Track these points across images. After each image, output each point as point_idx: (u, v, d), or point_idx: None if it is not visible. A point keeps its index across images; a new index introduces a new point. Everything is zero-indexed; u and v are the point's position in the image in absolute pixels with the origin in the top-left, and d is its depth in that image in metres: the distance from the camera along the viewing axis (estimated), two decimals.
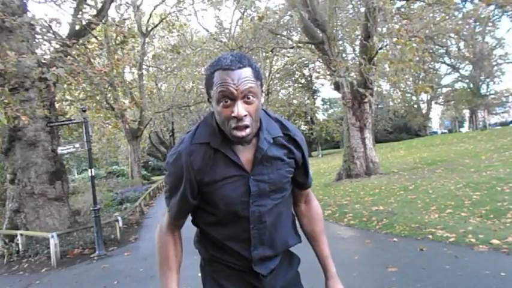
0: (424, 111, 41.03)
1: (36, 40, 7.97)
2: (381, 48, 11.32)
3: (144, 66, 24.69)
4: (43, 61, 7.29)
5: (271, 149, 1.19)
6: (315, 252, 1.44)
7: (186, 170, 1.15)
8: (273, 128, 1.22)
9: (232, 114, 1.06)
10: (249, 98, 1.08)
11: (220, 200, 1.18)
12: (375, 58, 11.03)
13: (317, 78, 32.32)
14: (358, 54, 12.77)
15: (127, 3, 15.81)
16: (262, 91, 1.16)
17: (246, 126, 1.08)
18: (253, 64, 1.11)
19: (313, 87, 37.22)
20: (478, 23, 22.34)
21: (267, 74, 29.53)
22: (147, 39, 23.53)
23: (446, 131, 49.85)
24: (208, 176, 1.16)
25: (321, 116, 39.55)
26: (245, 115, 1.07)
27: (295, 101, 34.01)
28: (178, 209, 1.23)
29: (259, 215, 1.20)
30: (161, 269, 1.25)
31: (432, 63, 31.27)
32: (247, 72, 1.08)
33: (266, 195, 1.20)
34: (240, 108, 1.06)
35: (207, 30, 23.51)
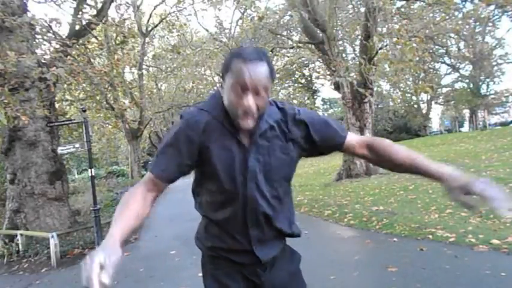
0: (424, 111, 41.01)
1: (36, 40, 7.97)
2: (380, 48, 11.31)
3: (144, 66, 24.71)
4: (43, 61, 7.30)
5: (269, 131, 1.23)
6: (418, 172, 1.22)
7: (189, 129, 1.18)
8: (273, 111, 1.26)
9: (242, 105, 1.11)
10: (260, 92, 1.11)
11: (220, 163, 1.18)
12: (375, 58, 11.02)
13: (317, 78, 32.27)
14: (358, 54, 12.77)
15: (127, 3, 15.83)
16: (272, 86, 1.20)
17: (252, 117, 1.13)
18: (270, 62, 1.16)
19: (313, 87, 37.21)
20: (478, 23, 22.37)
21: None
22: (147, 39, 23.54)
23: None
24: (210, 139, 1.19)
25: None
26: (254, 108, 1.11)
27: (295, 101, 33.93)
28: (166, 163, 1.18)
29: (255, 194, 1.21)
30: (117, 215, 1.15)
31: (432, 63, 31.26)
32: (263, 67, 1.12)
33: (262, 176, 1.21)
34: (251, 101, 1.10)
35: (207, 30, 23.46)
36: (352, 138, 1.34)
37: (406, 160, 1.22)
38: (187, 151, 1.18)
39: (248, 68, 1.09)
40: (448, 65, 34.73)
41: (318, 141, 1.28)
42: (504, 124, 38.74)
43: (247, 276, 1.29)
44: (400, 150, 1.26)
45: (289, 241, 1.42)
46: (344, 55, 18.68)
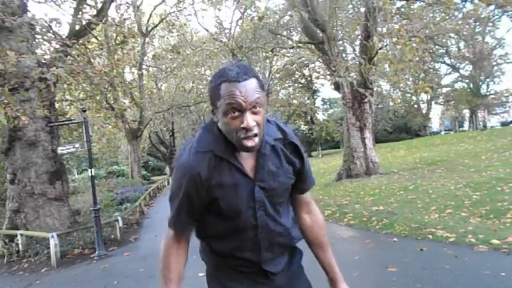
0: (424, 111, 41.02)
1: (36, 40, 7.97)
2: (380, 48, 11.32)
3: (144, 66, 24.70)
4: (43, 61, 7.29)
5: (271, 156, 1.21)
6: (318, 258, 1.42)
7: (193, 181, 1.15)
8: (272, 130, 1.24)
9: (242, 126, 1.08)
10: (256, 109, 1.09)
11: (226, 206, 1.18)
12: (375, 58, 11.02)
13: (317, 78, 32.34)
14: (358, 54, 12.77)
15: (127, 3, 15.85)
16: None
17: (255, 135, 1.10)
18: (257, 75, 1.13)
19: (313, 87, 37.23)
20: (478, 23, 22.38)
21: (267, 74, 29.52)
22: (147, 39, 23.53)
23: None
24: (214, 184, 1.16)
25: (321, 116, 39.58)
26: (254, 125, 1.08)
27: (295, 101, 34.00)
28: (182, 216, 1.22)
29: (266, 221, 1.23)
30: (162, 278, 1.27)
31: (432, 63, 31.30)
32: (253, 83, 1.09)
33: (268, 202, 1.22)
34: (250, 120, 1.08)
35: (207, 30, 23.54)
36: (311, 199, 1.41)
37: (316, 245, 1.40)
38: (197, 200, 1.18)
39: (238, 88, 1.07)
40: (448, 65, 34.75)
41: (299, 172, 1.30)
42: (504, 124, 38.78)
43: (256, 279, 1.30)
44: (319, 235, 1.40)
45: None
46: (344, 55, 18.69)
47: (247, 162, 1.19)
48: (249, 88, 1.08)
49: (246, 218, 1.20)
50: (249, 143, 1.10)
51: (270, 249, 1.26)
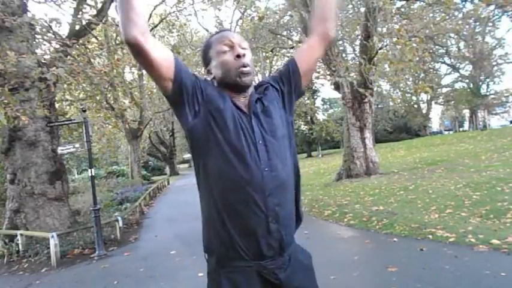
0: (424, 111, 41.03)
1: (36, 40, 7.97)
2: (380, 48, 11.31)
3: None
4: (43, 61, 7.29)
5: (259, 102, 1.36)
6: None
7: (198, 81, 1.29)
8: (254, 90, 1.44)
9: (236, 54, 1.29)
10: (243, 48, 1.32)
11: (229, 121, 1.25)
12: (375, 58, 11.02)
13: (317, 78, 32.25)
14: (358, 54, 12.77)
15: None
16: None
17: (248, 65, 1.30)
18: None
19: (313, 87, 37.21)
20: (478, 23, 22.39)
21: (267, 74, 29.51)
22: None
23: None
24: (217, 100, 1.28)
25: (321, 116, 39.56)
26: (244, 54, 1.30)
27: None
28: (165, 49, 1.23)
29: (266, 150, 1.26)
30: None
31: (432, 63, 31.28)
32: (236, 33, 1.38)
33: (267, 135, 1.29)
34: (240, 49, 1.30)
35: (207, 30, 23.44)
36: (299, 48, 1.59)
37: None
38: (192, 81, 1.27)
39: (224, 34, 1.35)
40: (448, 65, 34.77)
41: (283, 76, 1.46)
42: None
43: (264, 277, 1.25)
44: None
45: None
46: (344, 55, 18.69)
47: (242, 104, 1.33)
48: (234, 34, 1.36)
49: (249, 148, 1.25)
50: (245, 69, 1.29)
51: (276, 192, 1.24)
